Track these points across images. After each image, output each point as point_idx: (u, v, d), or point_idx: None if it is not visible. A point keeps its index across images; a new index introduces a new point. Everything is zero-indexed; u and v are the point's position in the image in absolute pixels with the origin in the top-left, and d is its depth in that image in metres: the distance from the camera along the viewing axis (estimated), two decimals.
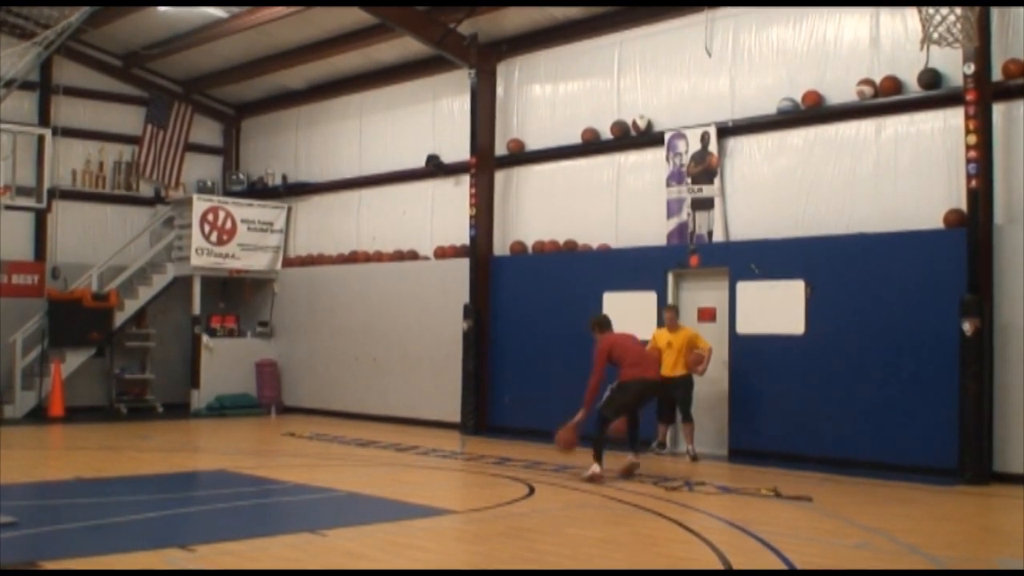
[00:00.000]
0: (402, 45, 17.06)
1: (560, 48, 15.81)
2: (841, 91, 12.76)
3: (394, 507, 9.39)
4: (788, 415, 12.60)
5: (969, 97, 11.19)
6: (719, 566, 7.08)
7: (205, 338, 19.23)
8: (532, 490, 10.31)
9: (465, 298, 16.16)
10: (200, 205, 19.11)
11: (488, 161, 16.37)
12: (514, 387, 15.61)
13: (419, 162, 17.66)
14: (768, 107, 13.35)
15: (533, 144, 16.12)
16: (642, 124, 14.63)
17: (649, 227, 14.43)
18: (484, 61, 16.30)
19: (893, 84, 12.28)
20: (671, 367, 12.78)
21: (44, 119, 18.58)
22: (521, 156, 16.23)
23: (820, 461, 12.09)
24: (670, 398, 12.91)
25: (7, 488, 9.61)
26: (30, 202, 14.73)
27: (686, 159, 14.04)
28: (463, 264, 16.39)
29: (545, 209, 15.95)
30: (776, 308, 12.80)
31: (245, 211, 19.72)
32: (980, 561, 7.52)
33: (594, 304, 14.22)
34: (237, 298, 20.55)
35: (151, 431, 16.06)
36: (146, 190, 20.42)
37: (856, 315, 12.15)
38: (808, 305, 12.56)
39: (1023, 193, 11.32)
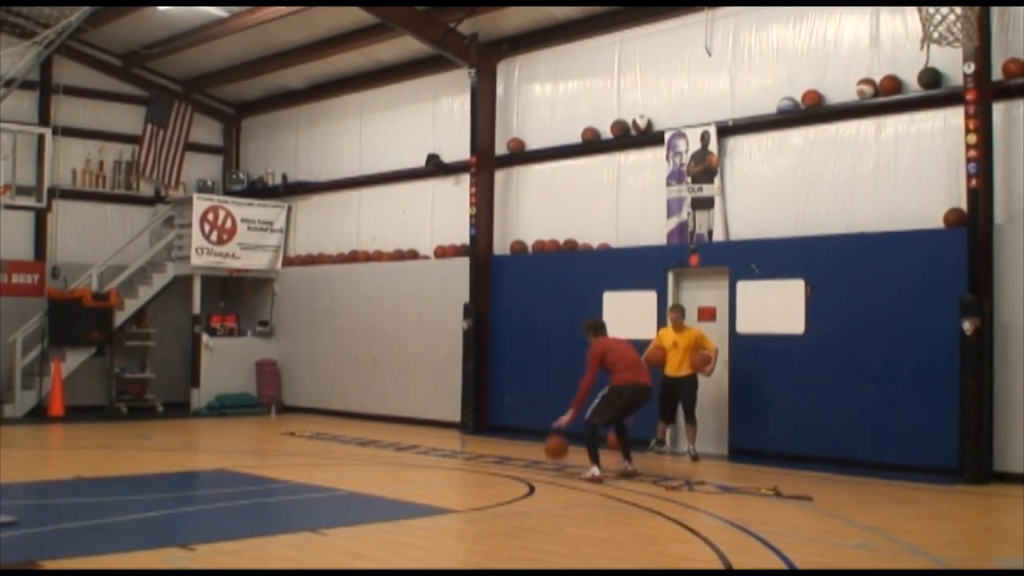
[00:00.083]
0: (402, 45, 17.06)
1: (560, 47, 15.81)
2: (841, 91, 12.76)
3: (394, 507, 9.39)
4: (788, 415, 12.60)
5: (969, 96, 11.19)
6: (719, 566, 7.08)
7: (205, 337, 19.24)
8: (532, 489, 10.32)
9: (465, 298, 16.16)
10: (200, 204, 19.11)
11: (488, 161, 16.37)
12: (514, 387, 15.62)
13: (419, 162, 17.66)
14: (768, 107, 13.35)
15: (533, 144, 16.12)
16: (642, 123, 14.63)
17: (649, 227, 14.43)
18: (484, 61, 16.29)
19: (893, 84, 12.28)
20: (676, 367, 12.77)
21: (44, 119, 18.58)
22: (521, 155, 16.23)
23: (820, 461, 12.09)
24: (673, 397, 12.90)
25: (7, 488, 9.61)
26: (30, 201, 14.74)
27: (686, 158, 14.04)
28: (463, 264, 16.39)
29: (545, 209, 15.95)
30: (776, 308, 12.79)
31: (245, 210, 19.72)
32: (980, 561, 7.52)
33: (594, 304, 14.22)
34: (237, 297, 20.55)
35: (151, 430, 16.06)
36: (146, 190, 20.42)
37: (856, 315, 12.15)
38: (808, 305, 12.55)
39: (1023, 193, 11.32)
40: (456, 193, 17.12)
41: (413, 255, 17.82)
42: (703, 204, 13.90)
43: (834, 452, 12.09)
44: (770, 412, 12.76)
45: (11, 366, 17.85)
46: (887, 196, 12.33)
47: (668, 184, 14.25)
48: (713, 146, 13.76)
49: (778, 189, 13.29)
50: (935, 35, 9.05)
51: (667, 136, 14.27)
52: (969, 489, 10.64)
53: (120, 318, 18.74)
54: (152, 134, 20.27)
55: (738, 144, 13.74)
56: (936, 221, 11.81)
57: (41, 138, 15.20)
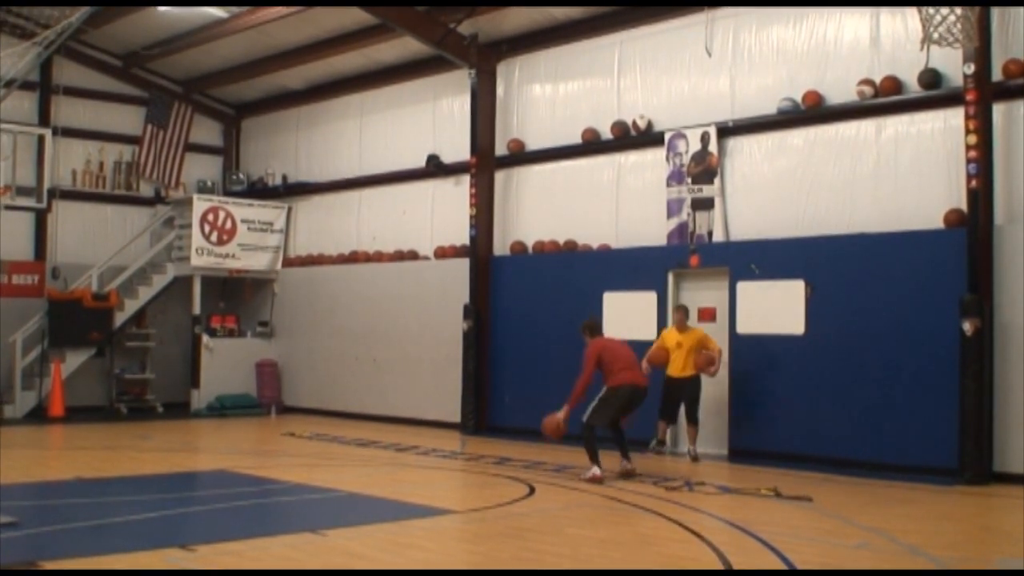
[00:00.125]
0: (402, 45, 17.07)
1: (560, 48, 15.81)
2: (841, 91, 12.76)
3: (394, 507, 9.39)
4: (788, 415, 12.60)
5: (969, 97, 11.19)
6: (719, 566, 7.08)
7: (205, 338, 19.24)
8: (532, 490, 10.32)
9: (465, 298, 16.16)
10: (200, 205, 19.11)
11: (488, 161, 16.37)
12: (514, 387, 15.62)
13: (419, 162, 17.67)
14: (768, 107, 13.35)
15: (533, 144, 16.12)
16: (642, 124, 14.63)
17: (649, 227, 14.43)
18: (484, 61, 16.30)
19: (893, 84, 12.28)
20: (680, 368, 12.75)
21: (44, 119, 18.58)
22: (521, 156, 16.23)
23: (820, 461, 12.08)
24: (676, 398, 12.88)
25: (7, 488, 9.61)
26: (30, 202, 14.72)
27: (686, 159, 14.05)
28: (463, 264, 16.40)
29: (545, 209, 15.95)
30: (776, 308, 12.79)
31: (245, 211, 19.72)
32: (980, 561, 7.53)
33: (594, 304, 14.23)
34: (237, 298, 20.55)
35: (151, 431, 16.06)
36: (146, 190, 20.42)
37: (856, 315, 12.15)
38: (808, 305, 12.56)
39: (1023, 193, 11.32)
40: (456, 194, 17.12)
41: (413, 256, 17.82)
42: (703, 205, 13.90)
43: (834, 452, 12.09)
44: (770, 412, 12.76)
45: (11, 367, 17.84)
46: (887, 196, 12.33)
47: (668, 185, 14.25)
48: (713, 147, 13.76)
49: (778, 189, 13.30)
50: (935, 36, 9.04)
51: (667, 137, 14.27)
52: (969, 489, 10.64)
53: (120, 319, 18.74)
54: (152, 135, 20.27)
55: (738, 144, 13.74)
56: (936, 221, 11.81)
57: (41, 139, 15.18)
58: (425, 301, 17.15)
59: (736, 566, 7.04)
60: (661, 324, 13.69)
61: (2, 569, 6.57)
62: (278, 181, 20.58)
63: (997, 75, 11.38)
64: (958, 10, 8.97)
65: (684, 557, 7.38)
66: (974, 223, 11.16)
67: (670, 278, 13.97)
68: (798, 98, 13.07)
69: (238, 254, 19.47)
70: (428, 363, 17.02)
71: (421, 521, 8.69)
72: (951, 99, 11.68)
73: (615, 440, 11.44)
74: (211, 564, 6.91)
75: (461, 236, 16.71)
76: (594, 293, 14.46)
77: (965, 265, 11.19)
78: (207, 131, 21.41)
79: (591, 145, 15.28)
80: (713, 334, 13.11)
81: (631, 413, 11.50)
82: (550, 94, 15.99)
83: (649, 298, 14.02)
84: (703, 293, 13.75)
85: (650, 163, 14.60)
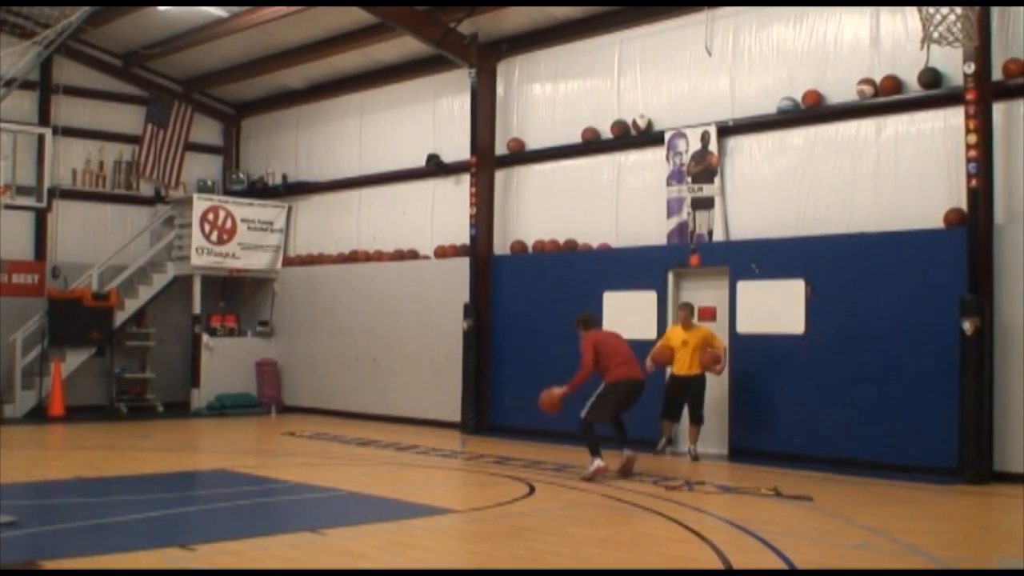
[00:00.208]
0: (402, 45, 17.06)
1: (560, 47, 15.81)
2: (841, 91, 12.76)
3: (394, 506, 9.39)
4: (788, 415, 12.60)
5: (969, 96, 11.19)
6: (719, 566, 7.08)
7: (205, 337, 19.24)
8: (532, 489, 10.32)
9: (465, 298, 16.16)
10: (200, 204, 19.11)
11: (488, 160, 16.37)
12: (514, 387, 15.61)
13: (419, 162, 17.66)
14: (768, 107, 13.35)
15: (533, 143, 16.12)
16: (642, 123, 14.63)
17: (649, 227, 14.43)
18: (484, 61, 16.29)
19: (893, 84, 12.28)
20: (687, 366, 12.67)
21: (44, 119, 18.57)
22: (521, 155, 16.23)
23: (820, 461, 12.09)
24: (681, 397, 12.84)
25: (7, 488, 9.61)
26: (30, 201, 14.71)
27: (686, 158, 14.05)
28: (463, 264, 16.40)
29: (545, 208, 15.95)
30: (776, 308, 12.79)
31: (245, 210, 19.72)
32: (980, 561, 7.52)
33: (594, 304, 14.21)
34: (237, 298, 20.55)
35: (151, 430, 16.06)
36: (146, 190, 20.41)
37: (856, 315, 12.15)
38: (808, 305, 12.55)
39: (1023, 193, 11.32)
40: (456, 193, 17.12)
41: (413, 255, 17.82)
42: (703, 204, 13.90)
43: (834, 452, 12.09)
44: (770, 412, 12.76)
45: (11, 366, 17.85)
46: (887, 196, 12.33)
47: (668, 184, 14.25)
48: (713, 146, 13.76)
49: (778, 189, 13.29)
50: (935, 35, 9.05)
51: (667, 136, 14.27)
52: (969, 489, 10.64)
53: (120, 318, 18.74)
54: (152, 134, 20.27)
55: (738, 144, 13.74)
56: (936, 221, 11.81)
57: (41, 138, 15.18)
58: (425, 301, 17.15)
59: (736, 566, 7.04)
60: (661, 323, 13.69)
61: (2, 569, 6.57)
62: (278, 180, 20.58)
63: (997, 74, 11.38)
64: (958, 10, 8.97)
65: (684, 557, 7.38)
66: (974, 223, 11.16)
67: (670, 278, 13.97)
68: (798, 98, 13.07)
69: (238, 253, 19.47)
70: (428, 363, 17.02)
71: (421, 521, 8.69)
72: (951, 99, 11.68)
73: (615, 430, 11.40)
74: (211, 564, 6.91)
75: (461, 236, 16.70)
76: (594, 293, 14.46)
77: (965, 265, 11.19)
78: (207, 131, 21.41)
79: (591, 145, 15.28)
80: None
81: (630, 408, 11.50)
82: (550, 93, 15.99)
83: (649, 298, 14.02)
84: (703, 293, 13.75)
85: (650, 163, 14.60)
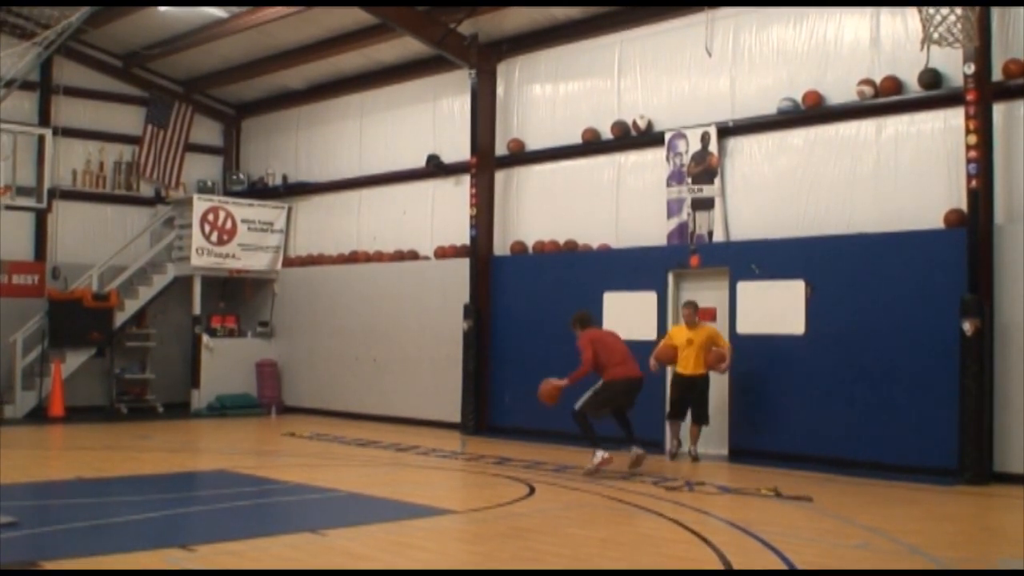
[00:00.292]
0: (402, 45, 17.07)
1: (560, 48, 15.81)
2: (841, 91, 12.76)
3: (394, 507, 9.39)
4: (788, 415, 12.59)
5: (969, 97, 11.19)
6: (719, 566, 7.09)
7: (205, 338, 19.24)
8: (532, 490, 10.32)
9: (465, 298, 16.16)
10: (200, 205, 19.11)
11: (488, 161, 16.37)
12: (514, 387, 15.60)
13: (419, 162, 17.66)
14: (768, 107, 13.35)
15: (533, 144, 16.12)
16: (642, 124, 14.63)
17: (649, 227, 14.43)
18: (484, 61, 16.29)
19: (893, 84, 12.28)
20: (692, 366, 12.58)
21: (44, 119, 18.58)
22: (521, 156, 16.23)
23: (820, 461, 12.08)
24: (685, 397, 12.80)
25: (7, 488, 9.61)
26: (30, 202, 14.71)
27: (686, 159, 14.05)
28: (463, 264, 16.40)
29: (545, 209, 15.95)
30: (776, 308, 12.79)
31: (245, 211, 19.73)
32: (980, 561, 7.53)
33: (594, 304, 14.20)
34: (237, 298, 20.55)
35: (151, 431, 16.06)
36: (146, 190, 20.42)
37: (856, 315, 12.15)
38: (808, 305, 12.55)
39: (1023, 193, 11.32)
40: (456, 193, 17.12)
41: (413, 255, 17.82)
42: (703, 205, 13.90)
43: (834, 452, 12.09)
44: (770, 412, 12.76)
45: (11, 367, 17.85)
46: (887, 196, 12.33)
47: (668, 185, 14.25)
48: (713, 147, 13.76)
49: (778, 189, 13.29)
50: (935, 36, 9.04)
51: (667, 137, 14.27)
52: (969, 489, 10.64)
53: (120, 319, 18.74)
54: (152, 135, 20.28)
55: (738, 145, 13.74)
56: (936, 221, 11.81)
57: (41, 139, 15.18)
58: (425, 301, 17.15)
59: (736, 566, 7.04)
60: (661, 324, 13.69)
61: (2, 569, 6.57)
62: (278, 181, 20.58)
63: (997, 75, 11.38)
64: (958, 10, 8.97)
65: (684, 557, 7.38)
66: (974, 223, 11.16)
67: (670, 278, 13.97)
68: (798, 98, 13.07)
69: (238, 254, 19.47)
70: (428, 363, 17.02)
71: (421, 521, 8.69)
72: (951, 99, 11.68)
73: (621, 427, 11.42)
74: (211, 564, 6.91)
75: (461, 236, 16.70)
76: (594, 293, 14.45)
77: (965, 265, 11.18)
78: (207, 131, 21.41)
79: (591, 145, 15.28)
80: None
81: (632, 404, 11.50)
82: (550, 94, 15.99)
83: (649, 298, 14.01)
84: (703, 293, 13.74)
85: (650, 163, 14.60)
